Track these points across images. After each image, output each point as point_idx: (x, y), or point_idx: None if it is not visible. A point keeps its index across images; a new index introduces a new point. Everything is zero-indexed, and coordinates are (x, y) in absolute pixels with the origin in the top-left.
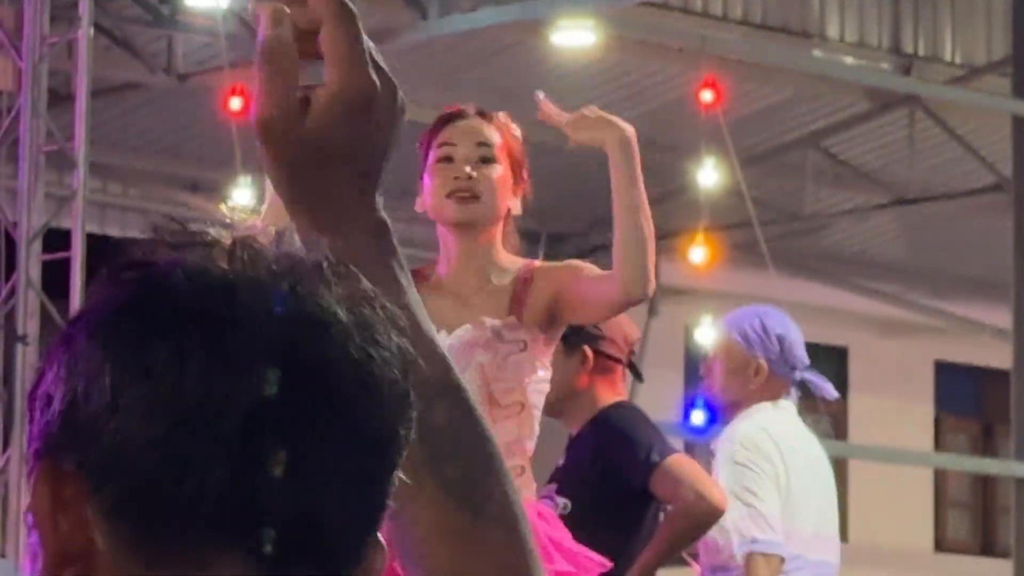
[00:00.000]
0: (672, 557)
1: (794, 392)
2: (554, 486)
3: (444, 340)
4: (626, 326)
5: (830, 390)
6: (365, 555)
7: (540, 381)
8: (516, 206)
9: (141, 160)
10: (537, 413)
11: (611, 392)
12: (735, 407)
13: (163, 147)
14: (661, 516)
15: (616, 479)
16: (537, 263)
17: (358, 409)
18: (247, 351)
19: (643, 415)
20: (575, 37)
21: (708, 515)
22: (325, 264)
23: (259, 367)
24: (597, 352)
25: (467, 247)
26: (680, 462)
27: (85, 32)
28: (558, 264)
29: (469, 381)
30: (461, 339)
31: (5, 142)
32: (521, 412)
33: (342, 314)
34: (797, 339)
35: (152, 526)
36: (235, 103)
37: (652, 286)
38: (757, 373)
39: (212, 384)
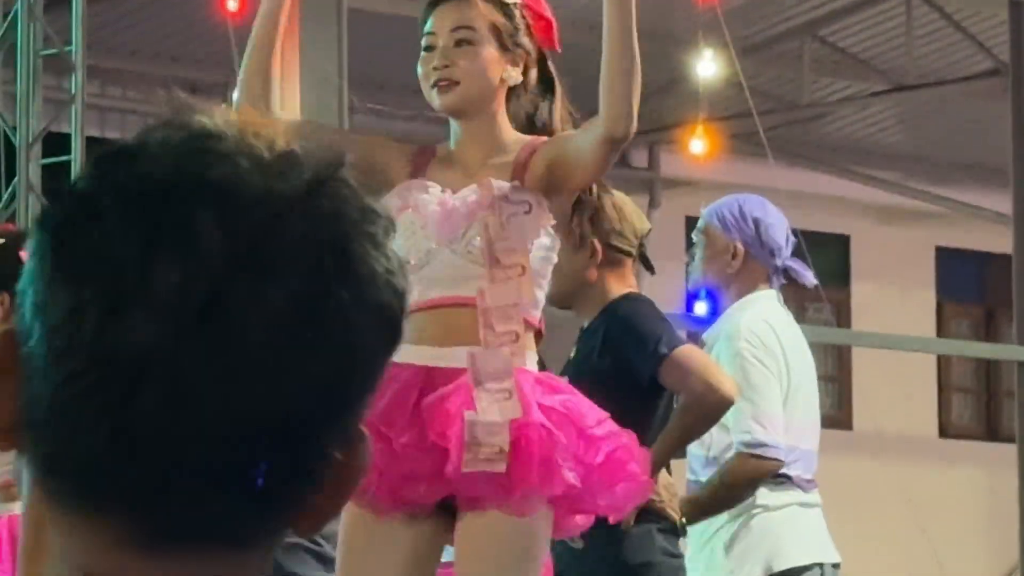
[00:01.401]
0: (683, 448)
1: (776, 280)
2: (564, 379)
3: (451, 200)
4: (636, 219)
5: (809, 277)
6: (321, 460)
7: (544, 248)
8: (513, 76)
9: (140, 63)
10: (541, 283)
11: (621, 284)
12: (721, 291)
13: (161, 50)
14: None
15: (625, 371)
16: (541, 138)
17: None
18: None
19: (652, 306)
20: None
21: (718, 406)
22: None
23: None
24: (607, 245)
25: (466, 128)
26: (689, 353)
27: None
28: (557, 135)
29: (473, 240)
30: (466, 200)
31: (2, 47)
32: (523, 275)
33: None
34: (776, 223)
35: (41, 459)
36: (231, 4)
37: (634, 125)
38: (735, 256)
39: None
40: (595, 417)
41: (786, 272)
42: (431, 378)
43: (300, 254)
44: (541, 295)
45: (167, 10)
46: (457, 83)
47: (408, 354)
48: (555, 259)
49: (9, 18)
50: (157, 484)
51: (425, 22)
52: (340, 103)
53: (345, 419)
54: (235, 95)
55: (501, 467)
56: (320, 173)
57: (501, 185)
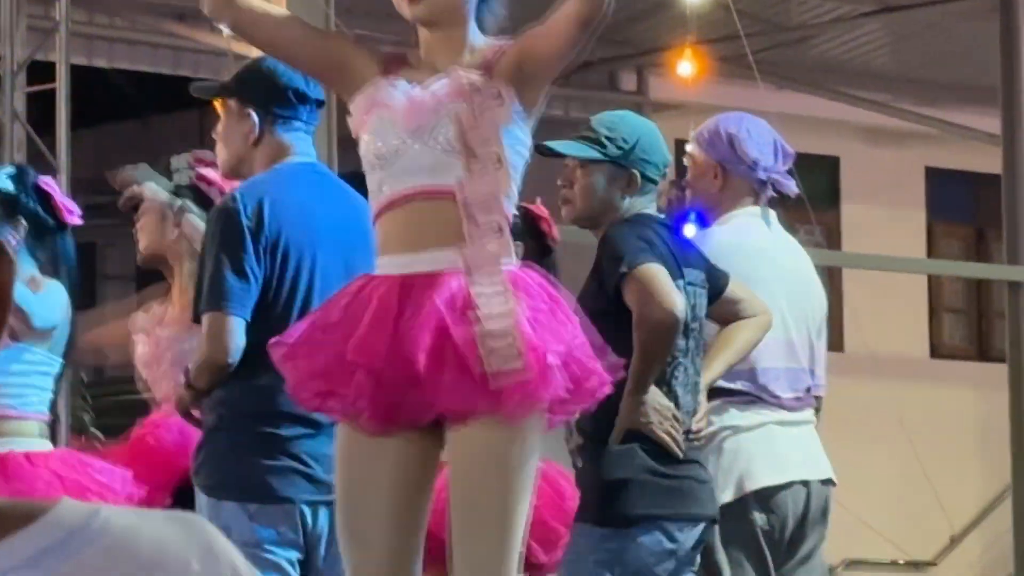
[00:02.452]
0: (652, 368)
1: (763, 195)
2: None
3: (420, 93)
4: (664, 149)
5: (791, 186)
6: None
7: (519, 143)
8: None
9: None
10: (515, 175)
11: (640, 208)
12: (709, 212)
13: None
14: None
15: (601, 291)
16: (511, 41)
17: None
18: None
19: (644, 227)
20: None
21: (663, 322)
22: None
23: None
24: (644, 176)
25: (436, 36)
26: (646, 271)
27: None
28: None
29: (444, 131)
30: (435, 92)
31: None
32: (498, 166)
33: None
34: (752, 137)
35: None
36: None
37: (607, 7)
38: (716, 175)
39: None
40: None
41: (773, 185)
42: (407, 288)
43: None
44: (515, 187)
45: None
46: None
47: (384, 265)
48: (527, 155)
49: None
50: None
51: None
52: (326, 27)
53: None
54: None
55: (520, 363)
56: None
57: (471, 76)
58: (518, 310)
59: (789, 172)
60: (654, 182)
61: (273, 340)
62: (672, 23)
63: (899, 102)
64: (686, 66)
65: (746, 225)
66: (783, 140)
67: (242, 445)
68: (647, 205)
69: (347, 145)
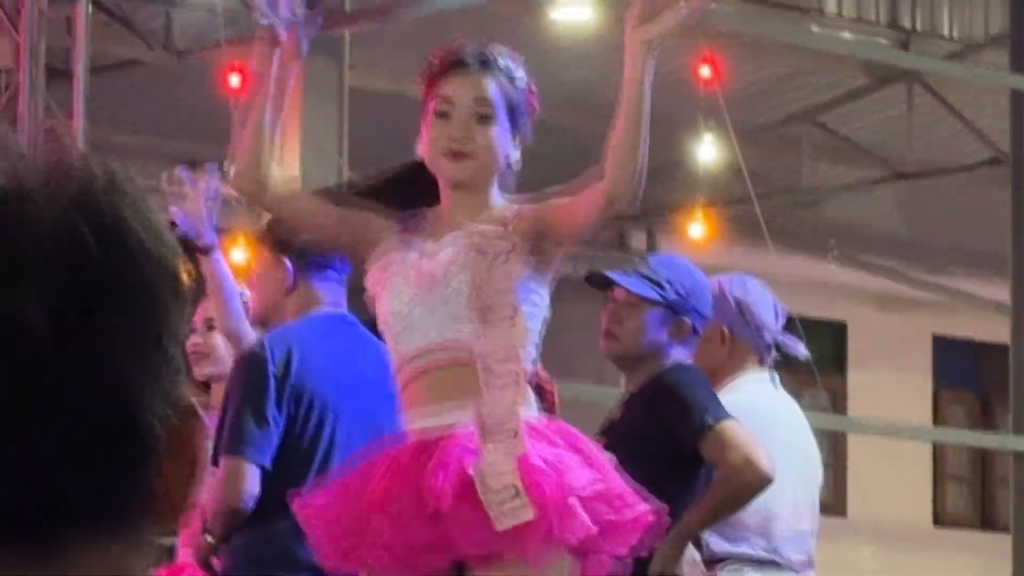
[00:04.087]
0: (716, 522)
1: (768, 357)
2: (603, 440)
3: (434, 249)
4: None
5: (800, 349)
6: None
7: (533, 294)
8: (514, 154)
9: (140, 137)
10: (532, 327)
11: (680, 360)
12: (712, 377)
13: (162, 124)
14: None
15: (668, 437)
16: (528, 203)
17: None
18: None
19: (701, 377)
20: (573, 12)
21: (756, 482)
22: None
23: None
24: (692, 326)
25: (461, 198)
26: (733, 427)
27: (83, 8)
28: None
29: (458, 288)
30: (447, 246)
31: (4, 119)
32: (514, 317)
33: None
34: (759, 301)
35: None
36: (233, 80)
37: (638, 198)
38: (723, 340)
39: None
40: (591, 474)
41: (779, 348)
42: (426, 445)
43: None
44: (531, 340)
45: (167, 84)
46: (472, 157)
47: (404, 421)
48: (545, 314)
49: (11, 90)
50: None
51: (439, 79)
52: (340, 179)
53: (161, 384)
54: (231, 170)
55: (530, 514)
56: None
57: (484, 229)
58: (529, 455)
59: (796, 334)
60: (697, 335)
61: (297, 499)
62: (683, 184)
63: (907, 269)
64: (697, 227)
65: (757, 391)
66: (778, 300)
67: None
68: (686, 359)
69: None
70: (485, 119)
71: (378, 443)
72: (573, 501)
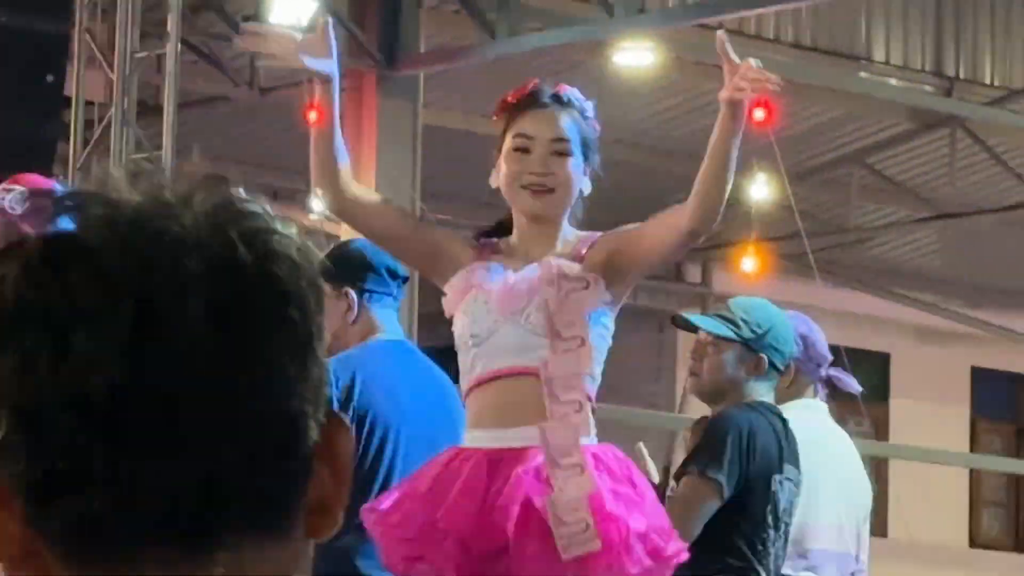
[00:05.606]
0: None
1: (821, 389)
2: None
3: (514, 277)
4: (791, 341)
5: (854, 384)
6: (307, 446)
7: (602, 327)
8: (586, 185)
9: (225, 169)
10: (598, 356)
11: (760, 395)
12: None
13: (246, 157)
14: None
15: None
16: (599, 233)
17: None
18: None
19: (737, 427)
20: (636, 57)
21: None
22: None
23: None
24: (770, 362)
25: (537, 229)
26: (686, 485)
27: (173, 47)
28: (619, 229)
29: (534, 315)
30: (528, 277)
31: (97, 150)
32: (581, 347)
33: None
34: (820, 339)
35: (65, 526)
36: (313, 116)
37: (715, 225)
38: (786, 372)
39: (53, 382)
40: (646, 507)
41: (828, 381)
42: (495, 462)
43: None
44: (598, 370)
45: (253, 119)
46: (552, 191)
47: (474, 439)
48: (610, 341)
49: (103, 122)
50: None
51: (517, 114)
52: (412, 211)
53: (314, 388)
54: (313, 203)
55: (596, 545)
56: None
57: (561, 263)
58: (599, 485)
59: (841, 365)
60: (778, 370)
61: (366, 506)
62: (737, 221)
63: (947, 303)
64: (749, 262)
65: (806, 418)
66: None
67: None
68: (767, 392)
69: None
70: (562, 154)
71: (448, 454)
72: (635, 540)
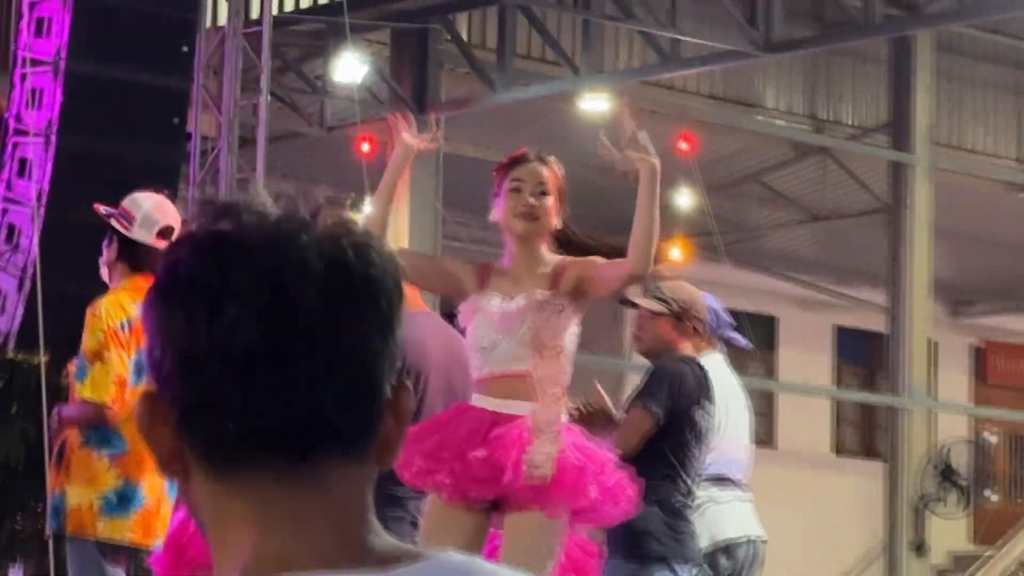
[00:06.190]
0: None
1: (720, 344)
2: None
3: (508, 305)
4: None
5: (744, 342)
6: (381, 401)
7: (573, 334)
8: (558, 222)
9: (301, 187)
10: (570, 357)
11: (687, 349)
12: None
13: (317, 179)
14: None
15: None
16: (570, 259)
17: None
18: (236, 310)
19: (673, 374)
20: (596, 105)
21: (622, 452)
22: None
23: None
24: (691, 321)
25: (525, 249)
26: (630, 416)
27: (264, 97)
28: (584, 258)
29: (525, 333)
30: (518, 305)
31: (210, 172)
32: (560, 355)
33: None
34: (723, 308)
35: (206, 440)
36: (365, 147)
37: (651, 268)
38: (702, 334)
39: (211, 335)
40: (604, 457)
41: (729, 341)
42: (497, 419)
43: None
44: (570, 365)
45: (321, 150)
46: (537, 218)
47: (483, 402)
48: (577, 342)
49: (214, 152)
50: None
51: (512, 168)
52: (435, 218)
53: (391, 359)
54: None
55: (547, 479)
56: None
57: (543, 294)
58: (566, 451)
59: (740, 326)
60: (697, 333)
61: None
62: (666, 223)
63: (819, 281)
64: (676, 251)
65: (714, 365)
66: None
67: (375, 502)
68: (689, 349)
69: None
70: (544, 195)
71: (462, 406)
72: (587, 477)
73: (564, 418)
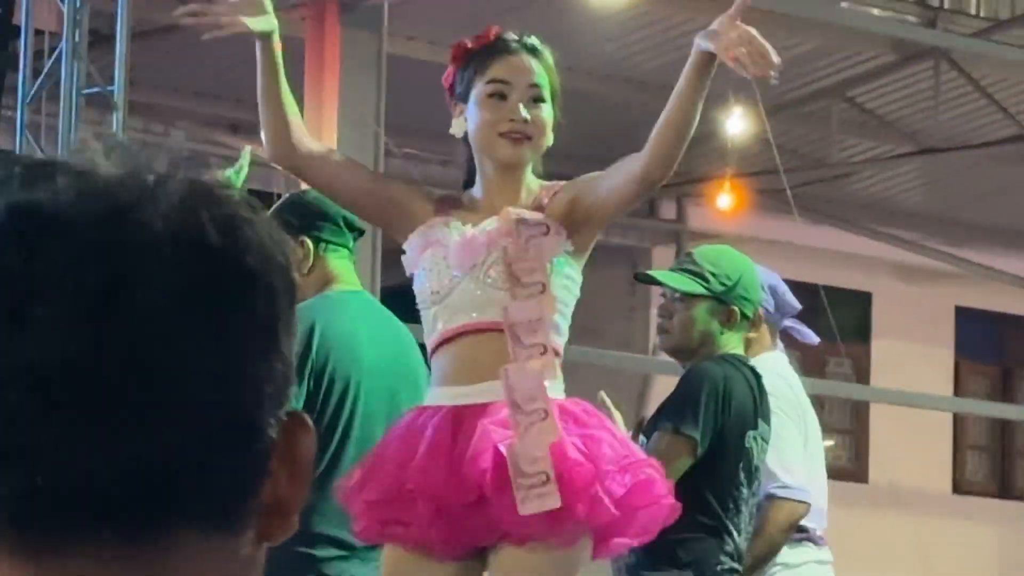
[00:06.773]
0: None
1: (777, 339)
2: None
3: (472, 232)
4: (757, 290)
5: (812, 336)
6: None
7: (566, 277)
8: (552, 138)
9: (183, 101)
10: (564, 309)
11: (731, 346)
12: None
13: (204, 88)
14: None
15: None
16: (562, 183)
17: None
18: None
19: (710, 381)
20: None
21: None
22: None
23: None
24: (741, 313)
25: (507, 177)
26: (659, 439)
27: None
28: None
29: (494, 268)
30: (486, 229)
31: (48, 83)
32: (542, 293)
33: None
34: (786, 288)
35: (6, 500)
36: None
37: (670, 173)
38: (756, 322)
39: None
40: (616, 452)
41: (785, 332)
42: (459, 419)
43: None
44: (563, 323)
45: (211, 49)
46: (530, 138)
47: (438, 396)
48: (577, 293)
49: (55, 55)
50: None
51: (487, 60)
52: (376, 147)
53: (276, 383)
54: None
55: (556, 502)
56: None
57: (520, 212)
58: (563, 442)
59: (820, 307)
60: (748, 319)
61: (336, 485)
62: (713, 155)
63: (931, 241)
64: (725, 198)
65: (783, 366)
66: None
67: (276, 563)
68: (738, 344)
69: (388, 257)
70: (539, 100)
71: (411, 415)
72: (597, 489)
73: (558, 388)
